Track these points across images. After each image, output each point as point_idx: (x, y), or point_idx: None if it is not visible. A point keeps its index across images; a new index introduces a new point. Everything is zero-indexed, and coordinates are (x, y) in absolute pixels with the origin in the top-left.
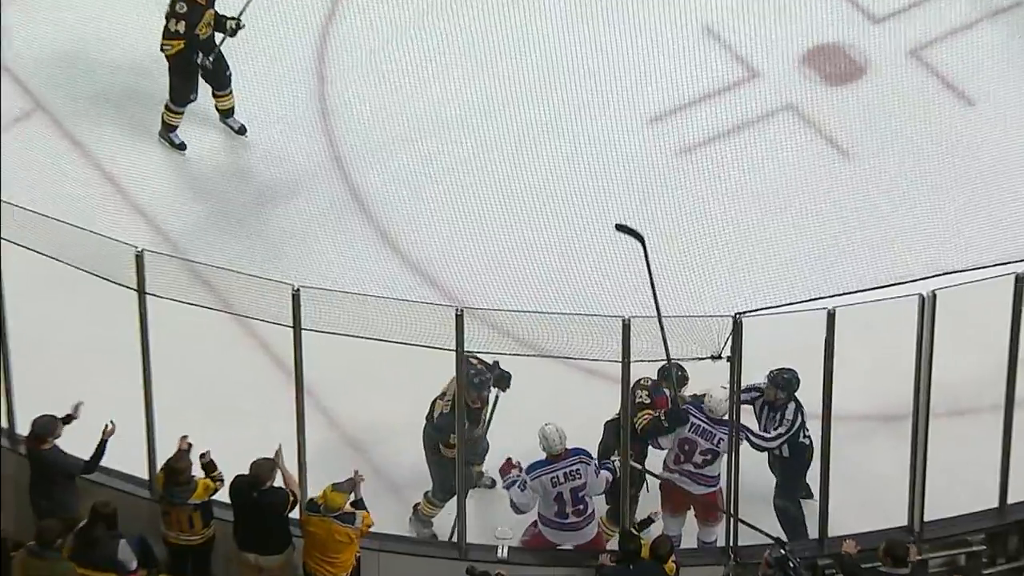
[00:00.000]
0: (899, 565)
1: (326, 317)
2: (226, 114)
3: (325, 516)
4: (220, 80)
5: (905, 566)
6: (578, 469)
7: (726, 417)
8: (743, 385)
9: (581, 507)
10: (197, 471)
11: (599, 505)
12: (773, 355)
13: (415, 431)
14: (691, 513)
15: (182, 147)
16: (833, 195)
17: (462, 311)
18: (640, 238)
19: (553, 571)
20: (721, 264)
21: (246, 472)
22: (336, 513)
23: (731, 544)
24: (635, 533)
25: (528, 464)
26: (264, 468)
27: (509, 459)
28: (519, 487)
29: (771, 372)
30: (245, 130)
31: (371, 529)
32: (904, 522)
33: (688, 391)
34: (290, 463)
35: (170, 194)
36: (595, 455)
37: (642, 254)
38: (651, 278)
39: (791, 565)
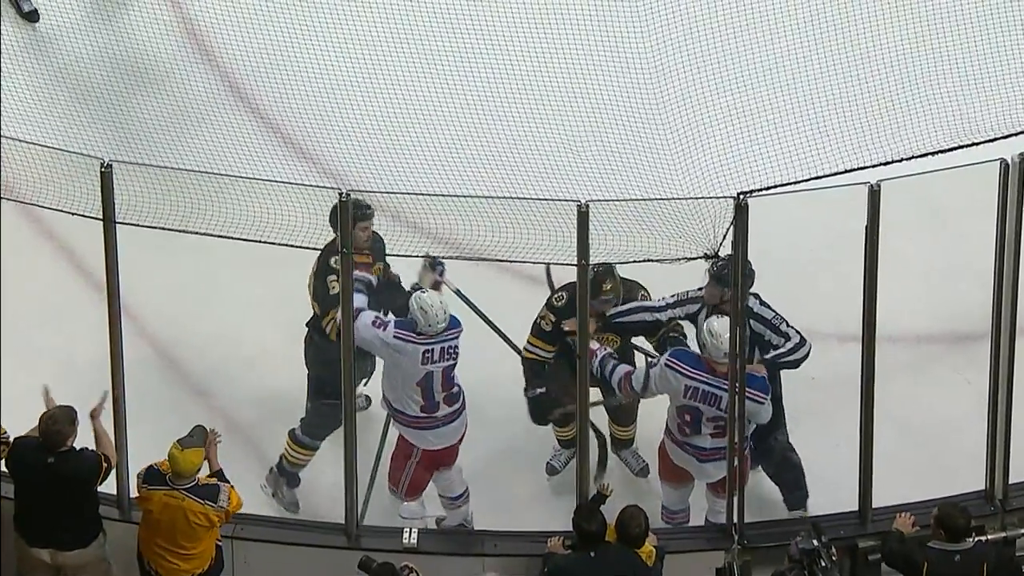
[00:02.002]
0: (955, 539)
1: (149, 205)
2: None
3: (175, 489)
4: None
5: (962, 541)
6: (455, 346)
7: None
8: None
9: (455, 391)
10: None
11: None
12: (791, 250)
13: (287, 360)
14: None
15: (32, 17)
16: (877, 23)
17: (348, 194)
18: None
19: (482, 561)
20: (718, 124)
21: (34, 428)
22: (189, 484)
23: (735, 522)
24: (595, 509)
25: (396, 320)
26: (61, 420)
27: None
28: (377, 322)
29: (714, 265)
30: (37, 16)
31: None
32: (980, 486)
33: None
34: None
35: None
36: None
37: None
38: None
39: (822, 564)
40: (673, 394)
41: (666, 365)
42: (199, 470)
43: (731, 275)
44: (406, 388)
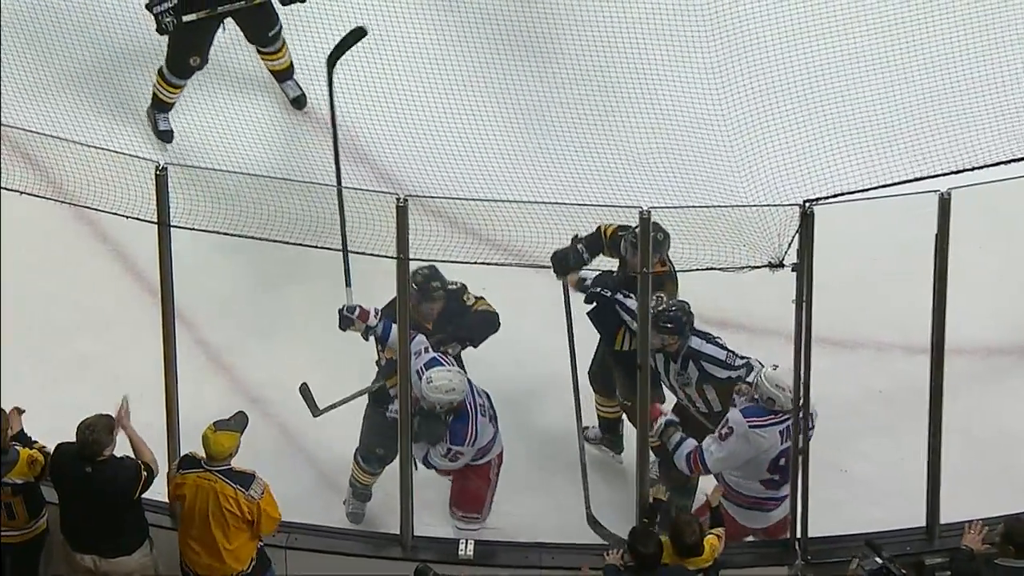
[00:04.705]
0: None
1: (203, 209)
2: (280, 76)
3: (208, 471)
4: (260, 34)
5: None
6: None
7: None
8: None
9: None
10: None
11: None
12: (858, 260)
13: (343, 368)
14: None
15: (166, 137)
16: (949, 30)
17: (406, 200)
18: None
19: (539, 573)
20: (784, 131)
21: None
22: (223, 467)
23: (799, 537)
24: (652, 529)
25: (453, 445)
26: (99, 430)
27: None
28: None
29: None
30: (304, 102)
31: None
32: None
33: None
34: (152, 426)
35: None
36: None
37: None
38: None
39: None
40: (769, 450)
41: (751, 429)
42: (232, 455)
43: (664, 318)
44: (485, 428)
